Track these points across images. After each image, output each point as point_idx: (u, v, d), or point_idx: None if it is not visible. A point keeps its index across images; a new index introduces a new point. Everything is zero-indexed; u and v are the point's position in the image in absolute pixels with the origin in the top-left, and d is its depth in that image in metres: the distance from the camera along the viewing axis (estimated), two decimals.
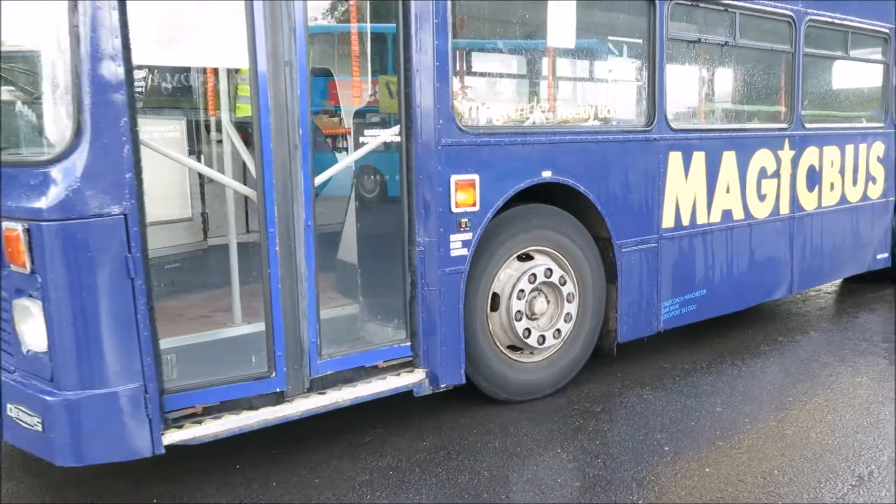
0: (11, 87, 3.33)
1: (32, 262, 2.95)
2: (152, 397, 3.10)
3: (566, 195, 4.51)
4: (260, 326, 3.63)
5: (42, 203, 2.91)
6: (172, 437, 3.20)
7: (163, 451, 3.15)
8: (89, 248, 2.94)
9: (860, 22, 6.52)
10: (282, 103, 3.42)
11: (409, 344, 4.01)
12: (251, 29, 3.30)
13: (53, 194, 2.91)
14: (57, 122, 3.01)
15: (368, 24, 4.07)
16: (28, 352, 3.12)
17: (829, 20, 6.18)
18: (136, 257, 3.02)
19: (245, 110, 4.40)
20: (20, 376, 3.18)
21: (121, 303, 3.01)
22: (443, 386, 4.04)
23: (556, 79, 4.85)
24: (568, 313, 4.53)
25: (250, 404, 3.48)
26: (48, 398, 2.97)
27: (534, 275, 4.32)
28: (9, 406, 3.16)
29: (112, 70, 2.92)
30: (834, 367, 5.06)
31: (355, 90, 4.13)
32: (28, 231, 2.93)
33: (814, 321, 6.25)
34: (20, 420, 3.09)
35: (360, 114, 4.35)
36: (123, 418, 3.05)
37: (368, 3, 4.03)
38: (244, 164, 3.70)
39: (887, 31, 6.84)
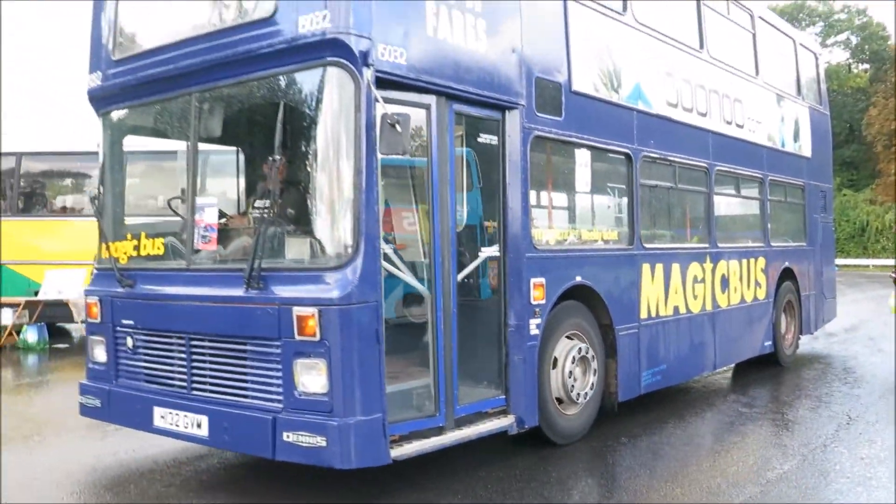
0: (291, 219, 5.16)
1: (321, 332, 4.74)
2: (386, 423, 4.90)
3: (584, 293, 6.70)
4: (418, 381, 5.48)
5: (332, 294, 4.74)
6: (391, 454, 4.98)
7: (391, 461, 4.92)
8: (360, 324, 4.78)
9: (745, 171, 9.38)
10: (446, 228, 5.43)
11: (503, 397, 5.96)
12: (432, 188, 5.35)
13: (340, 288, 4.75)
14: (337, 242, 4.87)
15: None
16: (301, 395, 4.84)
17: (729, 169, 8.97)
18: (381, 329, 4.88)
19: None
20: (289, 413, 4.87)
21: (373, 359, 4.84)
22: (526, 427, 5.99)
23: (579, 211, 7.14)
24: (595, 378, 6.67)
25: (423, 435, 5.31)
26: (333, 423, 4.71)
27: (579, 349, 6.46)
28: (286, 434, 4.83)
29: (374, 209, 4.86)
30: (634, 470, 5.99)
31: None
32: (320, 312, 4.74)
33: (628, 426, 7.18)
34: (300, 442, 4.77)
35: None
36: (375, 436, 4.81)
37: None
38: None
39: (760, 176, 9.76)
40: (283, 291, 4.97)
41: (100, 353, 6.11)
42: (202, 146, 5.70)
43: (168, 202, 6.29)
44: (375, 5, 4.86)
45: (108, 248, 6.03)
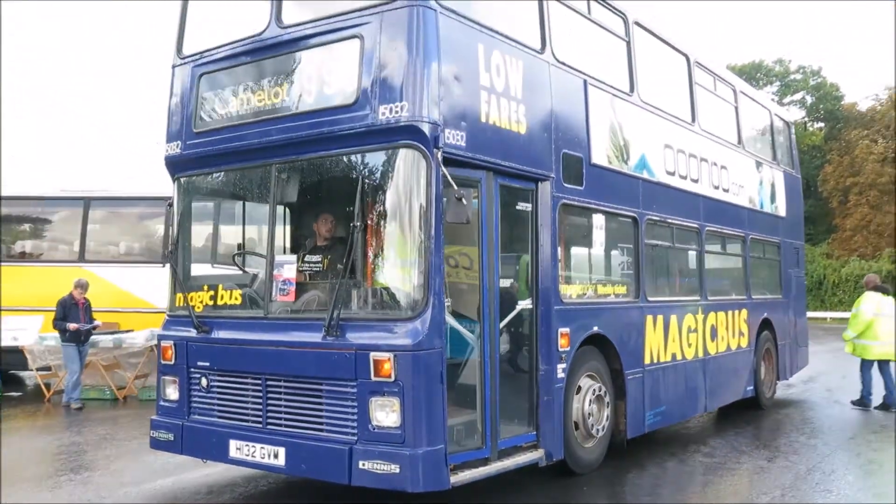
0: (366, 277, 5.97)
1: (396, 374, 5.53)
2: (447, 453, 5.67)
3: (598, 340, 7.56)
4: (467, 418, 6.25)
5: (406, 342, 5.55)
6: (450, 480, 5.74)
7: (450, 486, 5.68)
8: (428, 367, 5.58)
9: (730, 230, 10.41)
10: (492, 285, 6.28)
11: (534, 433, 6.76)
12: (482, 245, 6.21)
13: (412, 336, 5.56)
14: (409, 297, 5.69)
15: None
16: (375, 428, 5.61)
17: (717, 229, 9.98)
18: (444, 371, 5.68)
19: None
20: (364, 445, 5.62)
21: (438, 397, 5.61)
22: (554, 459, 6.79)
23: (595, 268, 8.05)
24: (608, 415, 7.52)
25: (472, 465, 6.08)
26: (405, 452, 5.47)
27: (594, 389, 7.31)
28: (361, 462, 5.58)
29: (441, 269, 5.69)
30: None
31: None
32: (395, 356, 5.54)
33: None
34: (375, 469, 5.52)
35: None
36: (438, 464, 5.58)
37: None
38: None
39: (742, 234, 10.80)
40: (359, 338, 5.76)
41: (172, 392, 6.80)
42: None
43: (233, 257, 7.08)
44: (444, 96, 5.76)
45: (184, 297, 6.77)
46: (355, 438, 5.71)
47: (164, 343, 6.88)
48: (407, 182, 5.76)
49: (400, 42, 5.73)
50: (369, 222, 5.95)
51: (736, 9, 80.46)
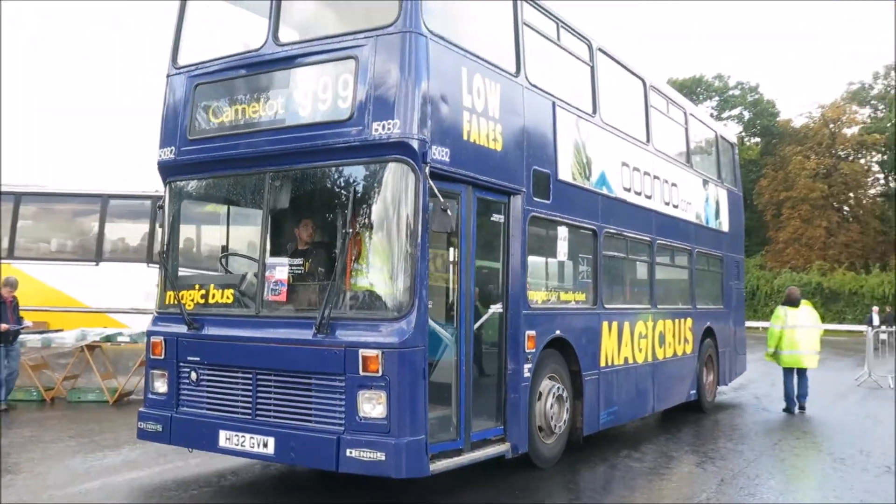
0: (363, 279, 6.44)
1: (383, 369, 6.03)
2: (428, 443, 6.18)
3: (560, 343, 8.17)
4: (443, 412, 6.77)
5: (393, 339, 6.04)
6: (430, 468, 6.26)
7: (430, 473, 6.19)
8: (412, 363, 6.08)
9: (679, 244, 11.16)
10: (469, 290, 6.82)
11: (502, 427, 7.31)
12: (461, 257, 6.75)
13: (399, 335, 6.05)
14: (397, 299, 6.18)
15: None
16: (362, 419, 6.09)
17: (667, 243, 10.71)
18: (426, 366, 6.20)
19: None
20: (351, 434, 6.10)
21: (421, 391, 6.14)
22: (519, 452, 7.35)
23: (558, 276, 8.66)
24: (566, 413, 8.12)
25: (448, 455, 6.60)
26: (391, 441, 5.96)
27: (555, 389, 7.90)
28: (349, 450, 6.05)
29: (425, 274, 6.20)
30: None
31: None
32: (383, 353, 6.03)
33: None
34: (362, 457, 6.00)
35: None
36: (420, 453, 6.09)
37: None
38: None
39: (689, 248, 11.56)
40: (348, 336, 6.23)
41: (161, 385, 7.16)
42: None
43: (219, 259, 7.49)
44: (432, 115, 6.29)
45: (175, 296, 7.14)
46: (343, 428, 6.17)
47: (153, 339, 7.23)
48: (396, 193, 6.27)
49: (393, 65, 6.23)
50: (359, 229, 6.43)
51: (678, 23, 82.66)
